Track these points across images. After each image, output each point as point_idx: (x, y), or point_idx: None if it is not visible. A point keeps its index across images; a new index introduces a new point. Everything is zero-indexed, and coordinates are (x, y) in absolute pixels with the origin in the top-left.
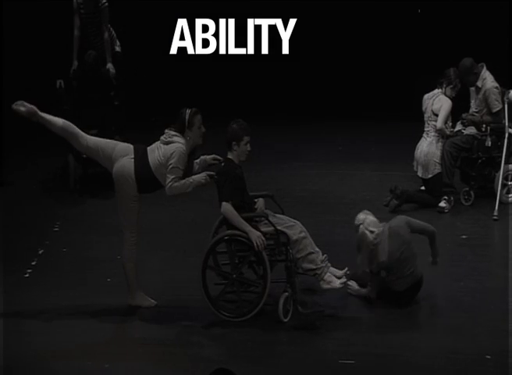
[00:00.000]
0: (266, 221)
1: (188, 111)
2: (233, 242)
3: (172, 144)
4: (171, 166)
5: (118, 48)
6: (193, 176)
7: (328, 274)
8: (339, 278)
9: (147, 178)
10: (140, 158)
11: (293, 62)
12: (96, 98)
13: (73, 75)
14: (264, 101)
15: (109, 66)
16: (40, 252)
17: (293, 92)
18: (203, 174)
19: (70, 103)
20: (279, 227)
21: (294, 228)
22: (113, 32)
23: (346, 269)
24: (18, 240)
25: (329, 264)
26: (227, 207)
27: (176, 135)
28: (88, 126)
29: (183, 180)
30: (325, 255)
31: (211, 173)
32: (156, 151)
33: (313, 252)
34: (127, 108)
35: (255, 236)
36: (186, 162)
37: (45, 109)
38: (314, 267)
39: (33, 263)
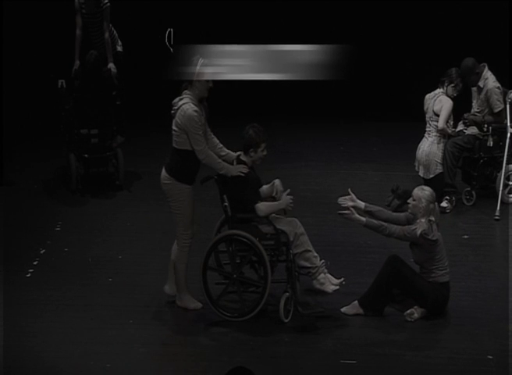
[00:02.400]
0: (266, 221)
1: (200, 60)
2: (234, 242)
3: (179, 111)
4: (191, 131)
5: (119, 48)
6: (228, 165)
7: (323, 275)
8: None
9: (178, 161)
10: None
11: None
12: (97, 98)
13: (75, 75)
14: (265, 101)
15: (111, 65)
16: (42, 252)
17: (295, 92)
18: (237, 168)
19: (72, 103)
20: (278, 226)
21: (292, 223)
22: (114, 32)
23: (343, 279)
24: (19, 240)
25: (326, 270)
26: (261, 207)
27: (180, 99)
28: (89, 125)
29: (219, 160)
30: (322, 261)
31: (246, 169)
32: (172, 131)
33: (310, 251)
34: (129, 108)
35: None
36: (201, 113)
37: (47, 109)
38: (309, 265)
39: (35, 263)
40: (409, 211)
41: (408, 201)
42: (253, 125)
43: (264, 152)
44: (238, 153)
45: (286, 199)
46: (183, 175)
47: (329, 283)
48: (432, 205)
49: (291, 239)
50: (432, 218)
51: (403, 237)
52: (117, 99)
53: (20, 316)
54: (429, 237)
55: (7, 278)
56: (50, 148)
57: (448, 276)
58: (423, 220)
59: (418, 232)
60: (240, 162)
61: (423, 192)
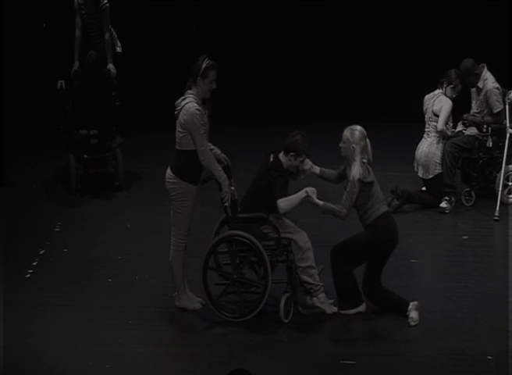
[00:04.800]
0: (269, 225)
1: (206, 61)
2: (234, 242)
3: (182, 111)
4: (193, 130)
5: (119, 49)
6: (226, 177)
7: (323, 295)
8: None
9: (183, 162)
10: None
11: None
12: (97, 99)
13: (74, 75)
14: (265, 101)
15: (110, 66)
16: (41, 253)
17: (294, 92)
18: (227, 182)
19: (71, 103)
20: (287, 235)
21: (302, 235)
22: (114, 32)
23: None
24: (19, 240)
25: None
26: (280, 205)
27: (183, 99)
28: (89, 126)
29: (219, 168)
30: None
31: (231, 188)
32: (176, 133)
33: (314, 267)
34: (128, 108)
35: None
36: (204, 113)
37: (46, 110)
38: (313, 282)
39: (34, 264)
40: (342, 154)
41: (340, 144)
42: (301, 132)
43: (301, 164)
44: (275, 153)
45: (310, 189)
46: (188, 175)
47: (328, 303)
48: (362, 142)
49: (300, 245)
50: (365, 159)
51: (352, 196)
52: (116, 100)
53: (20, 317)
54: (367, 180)
55: (7, 278)
56: (49, 148)
57: (385, 207)
58: (357, 164)
59: (356, 178)
60: (276, 159)
61: (351, 132)
